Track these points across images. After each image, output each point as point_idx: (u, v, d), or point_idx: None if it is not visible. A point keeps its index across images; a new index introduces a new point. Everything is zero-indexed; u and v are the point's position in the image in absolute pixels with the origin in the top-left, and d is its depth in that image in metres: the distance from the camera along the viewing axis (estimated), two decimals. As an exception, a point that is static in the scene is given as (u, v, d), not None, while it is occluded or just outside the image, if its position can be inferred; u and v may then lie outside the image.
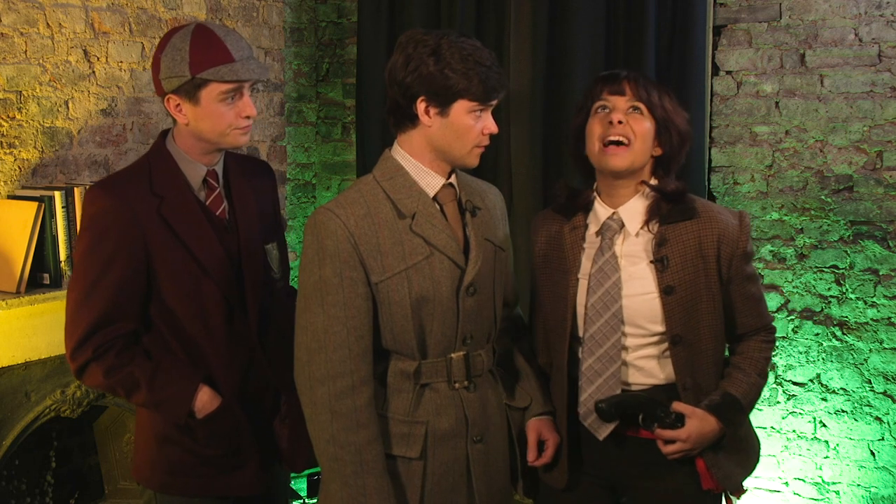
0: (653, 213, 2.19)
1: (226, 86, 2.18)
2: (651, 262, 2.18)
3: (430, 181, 2.09)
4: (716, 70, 3.61)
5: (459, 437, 2.14)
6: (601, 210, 2.23)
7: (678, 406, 2.16)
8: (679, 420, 2.15)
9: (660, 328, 2.17)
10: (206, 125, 2.21)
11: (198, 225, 2.24)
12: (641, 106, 2.16)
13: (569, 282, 2.23)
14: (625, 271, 2.18)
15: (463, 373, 2.13)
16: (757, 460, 2.34)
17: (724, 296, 2.22)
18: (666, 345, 2.18)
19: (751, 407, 2.25)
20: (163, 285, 2.22)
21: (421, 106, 2.02)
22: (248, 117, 2.23)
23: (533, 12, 3.69)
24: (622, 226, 2.21)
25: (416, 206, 2.07)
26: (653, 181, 2.21)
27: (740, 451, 2.26)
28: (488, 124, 2.06)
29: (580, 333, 2.22)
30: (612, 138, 2.14)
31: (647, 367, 2.21)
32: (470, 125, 2.03)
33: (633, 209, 2.21)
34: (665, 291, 2.16)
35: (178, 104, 2.20)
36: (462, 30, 3.81)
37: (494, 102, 2.06)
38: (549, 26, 3.69)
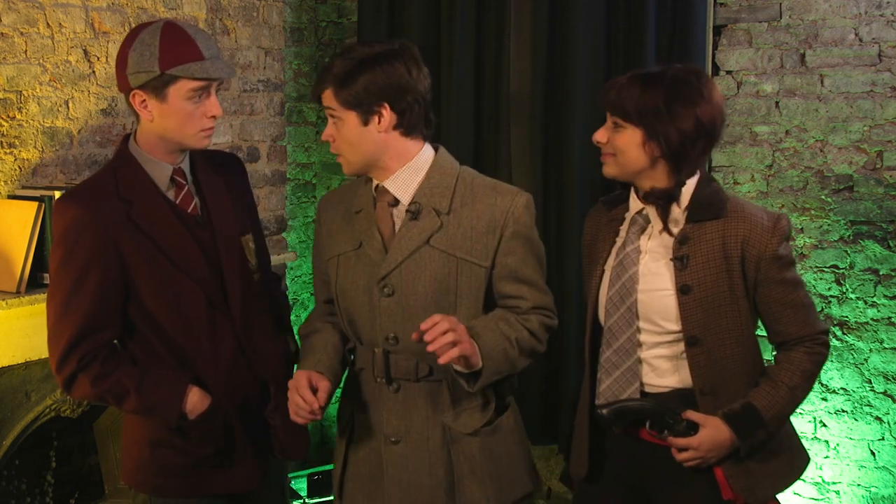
0: (662, 212, 2.19)
1: (195, 83, 2.15)
2: (671, 259, 2.18)
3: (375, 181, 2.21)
4: (716, 70, 3.61)
5: (375, 431, 2.21)
6: (633, 205, 2.27)
7: (691, 414, 2.15)
8: (691, 428, 2.14)
9: (674, 327, 2.17)
10: (171, 123, 2.17)
11: (169, 225, 2.22)
12: (618, 120, 2.18)
13: (595, 272, 2.29)
14: (644, 266, 2.20)
15: (381, 370, 2.18)
16: (797, 474, 2.28)
17: (757, 301, 2.19)
18: (682, 346, 2.17)
19: (776, 420, 2.17)
20: (140, 289, 2.20)
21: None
22: (213, 117, 2.20)
23: (533, 13, 3.69)
24: (648, 222, 2.23)
25: (363, 204, 2.21)
26: (665, 184, 2.19)
27: (772, 462, 2.21)
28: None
29: (603, 325, 2.26)
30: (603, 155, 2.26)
31: (661, 366, 2.20)
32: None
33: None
34: (682, 290, 2.15)
35: (144, 100, 2.17)
36: (463, 30, 3.81)
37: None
38: (549, 26, 3.69)
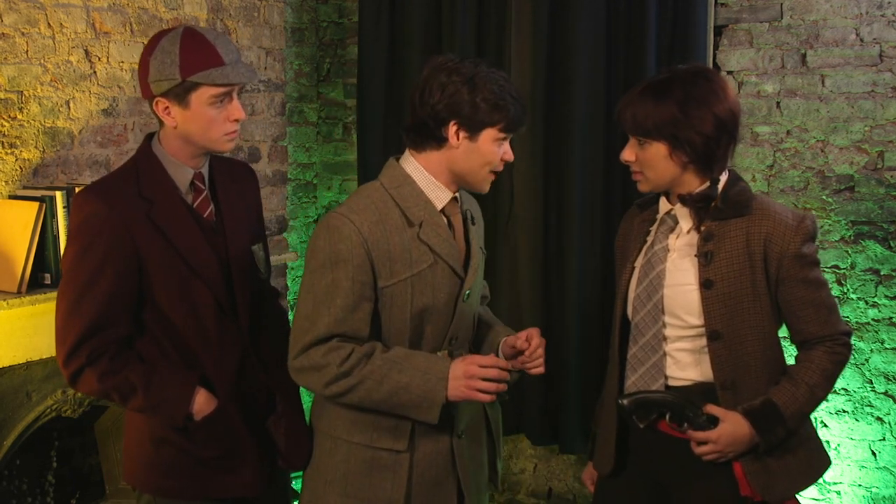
0: (699, 215, 2.23)
1: (216, 89, 2.17)
2: (695, 255, 2.22)
3: (440, 194, 2.19)
4: (717, 70, 3.61)
5: (444, 430, 2.20)
6: (663, 206, 2.31)
7: (711, 408, 2.18)
8: (711, 422, 2.16)
9: (697, 321, 2.20)
10: (195, 128, 2.20)
11: (187, 228, 2.23)
12: (641, 138, 2.22)
13: (625, 270, 2.33)
14: (671, 263, 2.24)
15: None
16: (816, 475, 2.29)
17: (779, 299, 2.22)
18: (704, 340, 2.20)
19: (795, 418, 2.19)
20: (154, 288, 2.21)
21: (452, 129, 2.13)
22: (236, 120, 2.22)
23: (533, 13, 3.69)
24: (677, 222, 2.27)
25: (423, 215, 2.16)
26: (697, 185, 2.23)
27: (791, 461, 2.22)
28: (507, 151, 2.21)
29: (631, 321, 2.30)
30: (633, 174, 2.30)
31: (683, 360, 2.23)
32: (494, 151, 2.17)
33: (685, 209, 2.26)
34: (704, 285, 2.18)
35: (167, 107, 2.19)
36: (463, 30, 3.81)
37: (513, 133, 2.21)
38: (549, 26, 3.69)
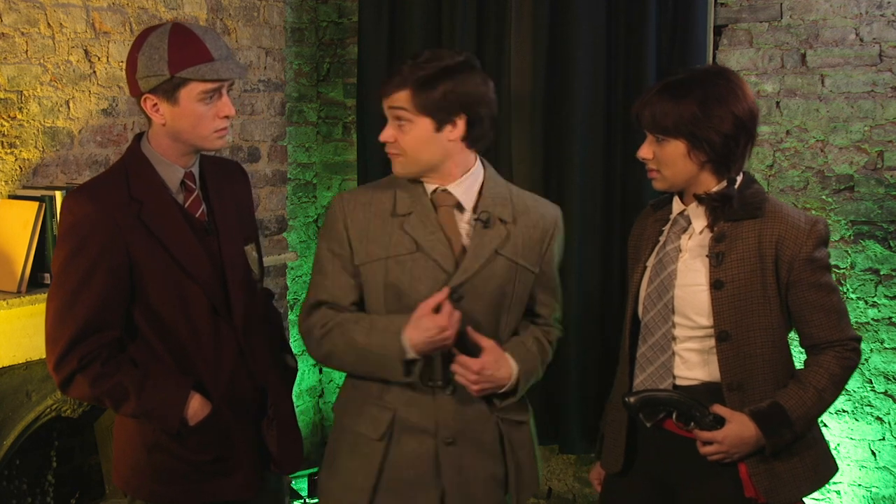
0: (715, 215, 2.23)
1: (206, 85, 2.13)
2: (707, 256, 2.22)
3: (429, 186, 2.19)
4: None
5: (427, 433, 2.18)
6: (675, 206, 2.31)
7: (718, 409, 2.18)
8: (718, 422, 2.16)
9: (706, 322, 2.20)
10: (184, 125, 2.16)
11: (178, 228, 2.20)
12: (659, 136, 2.21)
13: (637, 269, 2.33)
14: (683, 264, 2.24)
15: (440, 374, 2.17)
16: (822, 481, 2.28)
17: (789, 302, 2.21)
18: (712, 340, 2.20)
19: (802, 421, 2.19)
20: (147, 290, 2.18)
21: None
22: (226, 117, 2.19)
23: (534, 12, 3.70)
24: (689, 223, 2.27)
25: (413, 206, 2.17)
26: (713, 185, 2.23)
27: (797, 466, 2.23)
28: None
29: (641, 320, 2.30)
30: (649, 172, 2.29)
31: (691, 359, 2.23)
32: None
33: (699, 210, 2.26)
34: (714, 286, 2.18)
35: (156, 104, 2.15)
36: (463, 30, 3.81)
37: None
38: (549, 26, 3.69)
